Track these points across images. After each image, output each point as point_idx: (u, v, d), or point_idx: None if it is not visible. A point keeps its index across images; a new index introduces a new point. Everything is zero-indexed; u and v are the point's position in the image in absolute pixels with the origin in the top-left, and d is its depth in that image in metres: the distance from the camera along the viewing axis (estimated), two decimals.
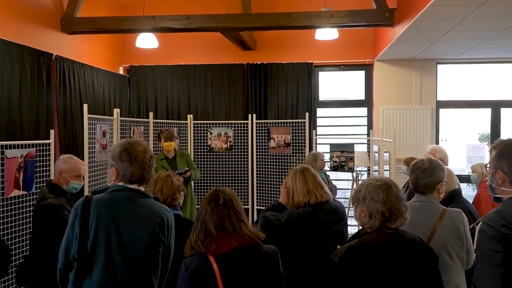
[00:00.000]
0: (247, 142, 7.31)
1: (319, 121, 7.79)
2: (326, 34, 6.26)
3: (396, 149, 5.60)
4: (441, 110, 7.53)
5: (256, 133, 7.27)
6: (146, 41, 6.53)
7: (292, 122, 7.23)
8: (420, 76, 7.34)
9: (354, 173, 6.92)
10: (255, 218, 5.43)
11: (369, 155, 6.86)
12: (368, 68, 7.61)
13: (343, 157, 6.92)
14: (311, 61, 7.51)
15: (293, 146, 7.16)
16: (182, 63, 7.78)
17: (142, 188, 2.25)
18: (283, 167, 7.13)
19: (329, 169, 6.93)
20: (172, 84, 7.81)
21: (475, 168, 4.78)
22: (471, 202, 3.75)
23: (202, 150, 7.36)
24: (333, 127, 7.91)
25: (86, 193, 4.74)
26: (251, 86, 7.61)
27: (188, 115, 7.32)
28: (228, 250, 1.92)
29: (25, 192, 4.17)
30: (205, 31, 6.40)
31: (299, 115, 7.39)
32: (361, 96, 7.78)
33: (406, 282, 1.96)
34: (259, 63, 7.61)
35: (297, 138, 7.15)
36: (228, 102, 7.71)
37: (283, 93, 7.57)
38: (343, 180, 7.40)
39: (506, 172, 1.87)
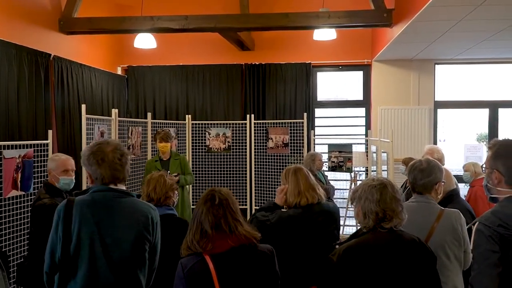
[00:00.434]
0: (245, 143, 7.31)
1: (317, 122, 7.79)
2: (324, 34, 6.27)
3: (394, 149, 5.61)
4: (439, 111, 7.55)
5: (254, 133, 7.28)
6: (144, 41, 6.53)
7: (290, 123, 7.23)
8: (418, 76, 7.35)
9: (352, 173, 6.94)
10: None
11: (367, 156, 6.87)
12: (366, 69, 7.62)
13: (341, 158, 6.93)
14: (309, 62, 7.52)
15: (291, 146, 7.16)
16: (180, 64, 7.78)
17: (123, 187, 2.23)
18: (281, 167, 7.13)
19: (327, 169, 6.94)
20: (170, 85, 7.81)
21: (468, 167, 4.82)
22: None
23: (200, 150, 7.36)
24: (331, 128, 7.92)
25: (84, 188, 4.75)
26: (249, 86, 7.62)
27: (187, 116, 7.32)
28: (224, 250, 1.93)
29: (23, 193, 4.17)
30: (203, 32, 6.41)
31: (297, 116, 7.39)
32: (359, 96, 7.79)
33: (404, 282, 1.97)
34: (257, 63, 7.61)
35: (295, 138, 7.16)
36: (226, 102, 7.71)
37: (281, 93, 7.58)
38: (341, 180, 7.41)
39: (501, 172, 1.88)
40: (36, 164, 4.29)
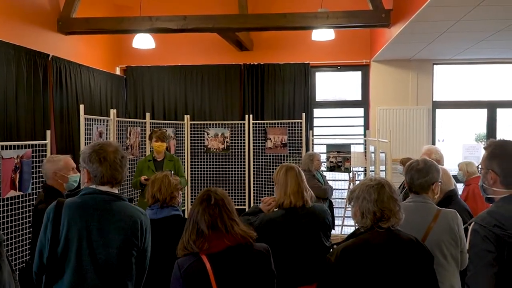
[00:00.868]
0: (244, 143, 7.31)
1: (315, 122, 7.80)
2: (323, 34, 6.27)
3: (393, 150, 5.62)
4: (437, 111, 7.56)
5: (253, 133, 7.28)
6: (143, 41, 6.53)
7: (289, 123, 7.23)
8: (417, 76, 7.36)
9: (351, 174, 6.94)
10: None
11: (365, 156, 6.88)
12: (364, 69, 7.63)
13: (340, 158, 6.93)
14: (307, 62, 7.52)
15: (289, 146, 7.17)
16: (179, 64, 7.78)
17: (115, 191, 2.23)
18: None
19: (325, 169, 6.94)
20: (169, 85, 7.80)
21: (461, 166, 5.00)
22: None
23: (199, 150, 7.36)
24: (329, 128, 7.92)
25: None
26: (248, 86, 7.62)
27: (185, 116, 7.33)
28: (221, 249, 1.94)
29: (22, 193, 4.17)
30: (202, 32, 6.41)
31: (295, 116, 7.40)
32: (357, 96, 7.80)
33: (402, 282, 1.98)
34: (255, 63, 7.62)
35: (293, 138, 7.16)
36: (225, 102, 7.71)
37: (279, 93, 7.58)
38: (340, 180, 7.42)
39: (497, 173, 1.89)
40: (34, 165, 4.29)
